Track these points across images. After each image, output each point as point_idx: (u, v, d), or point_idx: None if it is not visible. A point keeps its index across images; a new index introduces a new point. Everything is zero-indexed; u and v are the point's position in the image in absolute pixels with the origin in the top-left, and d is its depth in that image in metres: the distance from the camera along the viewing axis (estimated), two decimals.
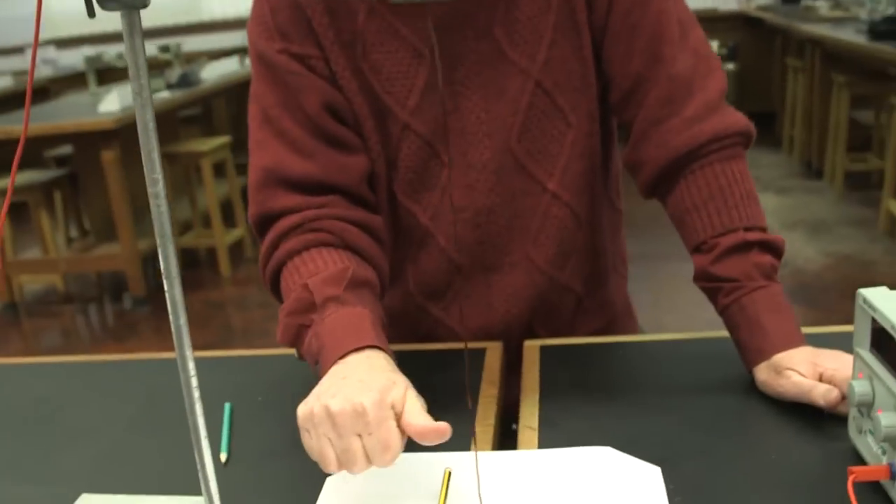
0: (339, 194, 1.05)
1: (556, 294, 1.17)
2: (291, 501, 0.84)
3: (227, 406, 1.04)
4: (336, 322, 0.92)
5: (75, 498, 0.86)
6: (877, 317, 0.79)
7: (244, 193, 5.48)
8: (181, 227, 4.74)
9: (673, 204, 1.07)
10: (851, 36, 4.98)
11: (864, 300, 0.82)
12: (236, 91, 5.64)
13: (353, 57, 1.05)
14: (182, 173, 4.81)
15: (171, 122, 5.07)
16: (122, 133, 4.05)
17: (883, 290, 0.82)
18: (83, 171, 4.60)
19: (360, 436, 0.77)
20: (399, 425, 0.78)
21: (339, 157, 1.05)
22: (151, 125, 0.63)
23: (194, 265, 4.83)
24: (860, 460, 0.84)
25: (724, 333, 1.10)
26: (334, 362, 0.88)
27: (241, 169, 5.79)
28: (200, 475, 0.74)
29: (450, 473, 0.81)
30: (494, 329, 1.16)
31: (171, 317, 0.69)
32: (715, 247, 1.02)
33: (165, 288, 0.68)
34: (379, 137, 1.08)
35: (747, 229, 1.01)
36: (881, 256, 4.18)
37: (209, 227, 4.73)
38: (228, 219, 4.83)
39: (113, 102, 4.11)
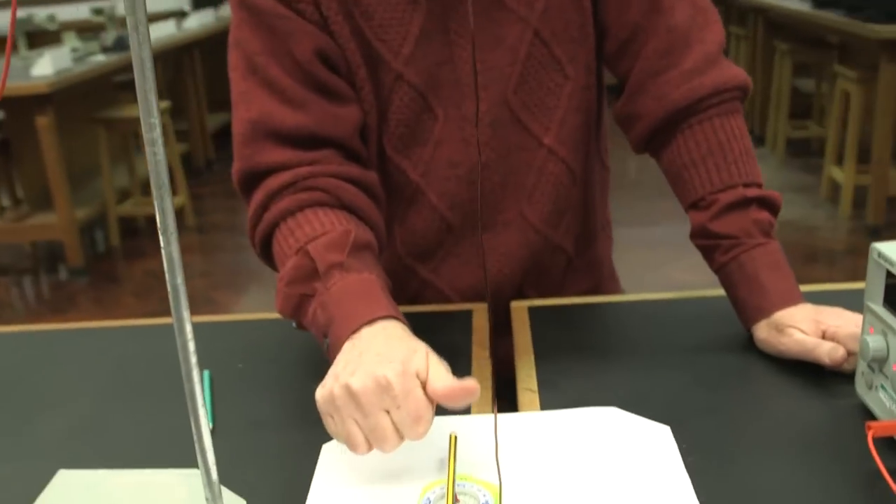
0: (332, 148, 0.99)
1: (548, 253, 1.14)
2: (286, 471, 0.80)
3: (206, 374, 0.98)
4: (343, 292, 0.86)
5: (52, 474, 0.80)
6: (895, 270, 0.77)
7: (184, 160, 5.36)
8: (119, 195, 4.60)
9: (669, 159, 1.04)
10: (795, 4, 5.03)
11: (880, 254, 0.80)
12: (174, 55, 5.49)
13: (345, 1, 0.99)
14: (119, 140, 4.66)
15: (106, 87, 4.91)
16: (57, 97, 3.91)
17: None
18: (15, 138, 4.42)
19: (387, 411, 0.73)
20: (426, 393, 0.73)
21: (331, 108, 0.99)
22: (149, 64, 0.57)
23: (133, 234, 4.70)
24: (870, 416, 0.82)
25: (715, 292, 1.08)
26: (347, 338, 0.82)
27: (181, 136, 5.68)
28: (197, 446, 0.69)
29: (455, 438, 0.77)
30: (485, 290, 1.12)
31: (167, 275, 0.64)
32: (713, 203, 0.99)
33: (162, 244, 0.62)
34: (371, 87, 1.02)
35: (746, 185, 0.99)
36: (823, 222, 4.25)
37: (148, 194, 4.59)
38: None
39: (46, 66, 3.96)
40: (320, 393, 0.77)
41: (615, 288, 1.29)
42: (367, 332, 0.82)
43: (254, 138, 0.98)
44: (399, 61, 1.01)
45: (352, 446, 0.74)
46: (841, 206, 4.31)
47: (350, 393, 0.74)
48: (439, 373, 0.74)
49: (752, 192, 0.99)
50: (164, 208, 0.61)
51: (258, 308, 3.68)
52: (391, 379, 0.73)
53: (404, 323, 0.85)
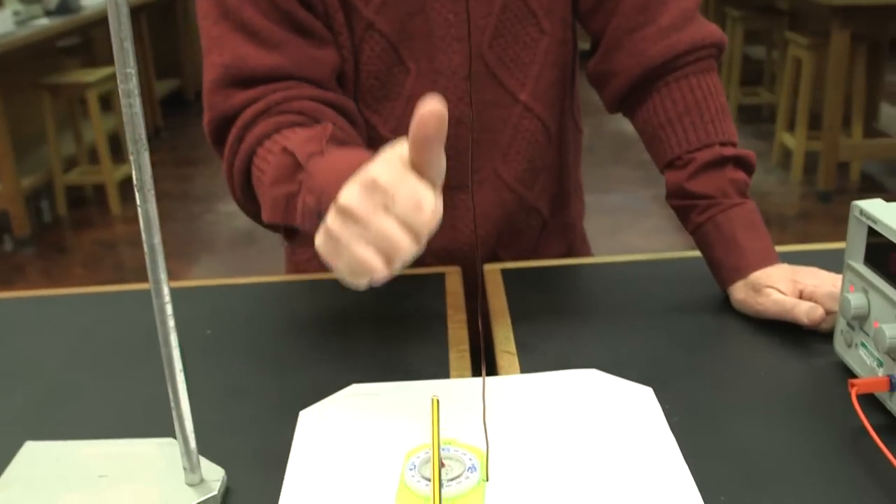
0: (308, 84, 0.95)
1: (522, 215, 1.12)
2: (264, 439, 0.78)
3: None
4: (328, 167, 0.79)
5: (18, 446, 0.77)
6: (878, 228, 0.77)
7: None
8: (66, 164, 4.49)
9: (644, 118, 1.03)
10: None
11: (862, 212, 0.79)
12: None
13: None
14: (66, 107, 4.54)
15: (50, 52, 4.78)
16: None
17: (879, 202, 0.80)
18: None
19: (386, 210, 0.65)
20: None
21: (308, 49, 0.95)
22: (125, 10, 0.54)
23: (81, 203, 4.59)
24: (849, 374, 0.82)
25: (687, 253, 1.08)
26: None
27: None
28: (174, 414, 0.67)
29: (437, 401, 0.75)
30: (458, 252, 1.10)
31: (143, 235, 0.61)
32: (690, 162, 0.99)
33: (138, 202, 0.60)
34: (347, 35, 0.98)
35: (723, 144, 0.99)
36: (775, 187, 4.30)
37: (96, 162, 4.50)
38: (117, 154, 4.60)
39: None
40: (318, 239, 0.69)
41: (587, 252, 1.28)
42: None
43: (225, 84, 0.93)
44: (370, 9, 0.97)
45: (369, 270, 0.65)
46: (792, 172, 4.36)
47: (340, 211, 0.67)
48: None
49: (729, 150, 0.98)
50: (140, 164, 0.58)
51: (210, 277, 3.63)
52: (375, 175, 0.65)
53: None
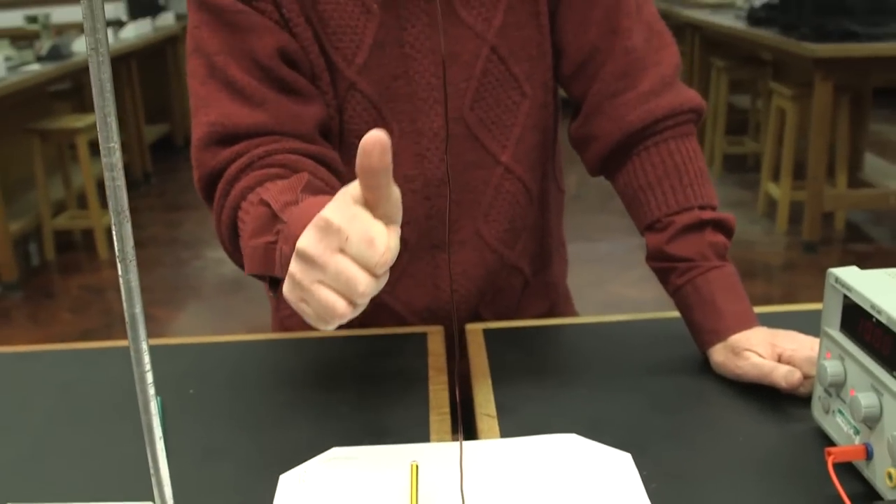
0: (292, 139, 0.96)
1: (504, 274, 1.13)
2: (244, 502, 0.78)
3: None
4: (303, 211, 0.78)
5: None
6: (852, 296, 0.78)
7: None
8: (55, 208, 4.49)
9: (624, 181, 1.04)
10: (730, 21, 5.13)
11: (837, 279, 0.80)
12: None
13: (304, 5, 0.97)
14: (55, 151, 4.56)
15: (41, 97, 4.80)
16: None
17: (853, 269, 0.81)
18: None
19: (341, 251, 0.65)
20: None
21: (292, 106, 0.96)
22: (108, 86, 0.55)
23: (69, 248, 4.59)
24: (827, 440, 0.83)
25: (669, 314, 1.09)
26: None
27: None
28: (153, 480, 0.67)
29: (417, 467, 0.75)
30: (441, 311, 1.11)
31: (124, 304, 0.61)
32: (669, 225, 1.00)
33: (120, 273, 0.60)
34: (333, 94, 1.00)
35: (702, 208, 1.00)
36: (760, 237, 4.33)
37: (85, 207, 4.50)
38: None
39: None
40: (285, 285, 0.70)
41: (570, 310, 1.29)
42: None
43: (212, 141, 0.95)
44: (352, 70, 0.99)
45: (332, 312, 0.66)
46: (777, 222, 4.39)
47: (299, 256, 0.68)
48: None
49: (708, 214, 1.00)
50: (122, 235, 0.59)
51: (197, 324, 3.62)
52: (328, 216, 0.66)
53: None
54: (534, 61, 1.04)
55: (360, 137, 0.99)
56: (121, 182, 0.58)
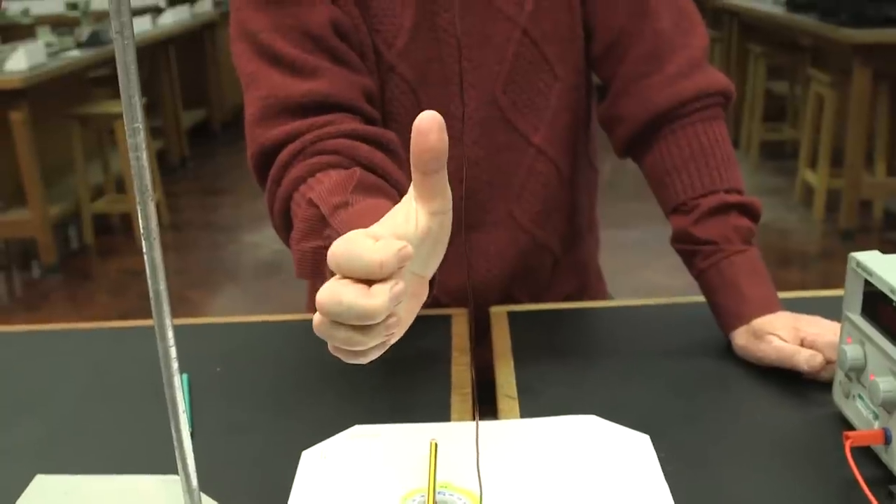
0: (344, 112, 0.94)
1: (535, 254, 1.14)
2: (265, 477, 0.79)
3: (184, 377, 0.98)
4: (349, 226, 0.75)
5: (29, 479, 0.79)
6: (873, 280, 0.77)
7: (159, 157, 5.32)
8: (93, 193, 4.56)
9: (651, 163, 1.05)
10: (769, 7, 5.07)
11: (858, 264, 0.80)
12: (149, 51, 5.45)
13: None
14: (94, 136, 4.62)
15: (81, 83, 4.87)
16: (31, 93, 3.87)
17: (875, 253, 0.81)
18: None
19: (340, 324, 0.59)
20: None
21: (344, 73, 0.95)
22: (133, 68, 0.56)
23: (108, 232, 4.66)
24: (847, 425, 0.83)
25: (695, 298, 1.09)
26: None
27: (156, 132, 5.65)
28: (177, 453, 0.69)
29: (436, 445, 0.77)
30: (474, 291, 1.12)
31: (149, 281, 0.63)
32: (695, 208, 1.00)
33: (144, 249, 0.62)
34: (377, 76, 1.00)
35: (727, 191, 1.00)
36: (797, 225, 4.29)
37: (123, 192, 4.56)
38: None
39: (20, 60, 3.91)
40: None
41: (601, 289, 1.30)
42: None
43: (263, 117, 0.94)
44: (392, 53, 1.00)
45: (353, 349, 0.61)
46: (814, 210, 4.34)
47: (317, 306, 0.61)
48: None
49: (733, 198, 1.00)
50: (146, 213, 0.60)
51: (233, 307, 3.66)
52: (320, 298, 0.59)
53: None
54: (565, 44, 1.04)
55: (397, 121, 1.02)
56: (144, 162, 0.59)
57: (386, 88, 1.02)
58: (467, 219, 1.08)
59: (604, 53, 1.05)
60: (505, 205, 1.09)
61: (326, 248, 0.76)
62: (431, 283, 0.70)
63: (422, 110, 0.99)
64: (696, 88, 1.01)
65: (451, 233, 1.06)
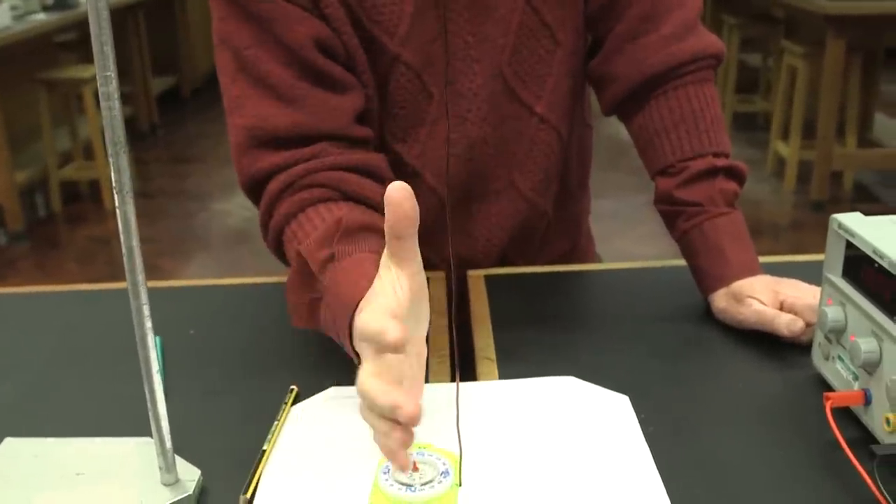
0: (329, 140, 0.93)
1: (533, 220, 1.13)
2: (240, 440, 0.78)
3: (157, 340, 0.96)
4: (335, 283, 0.79)
5: None
6: (855, 241, 0.77)
7: (128, 124, 5.24)
8: (61, 159, 4.48)
9: (640, 124, 1.04)
10: None
11: (840, 225, 0.80)
12: (118, 16, 5.35)
13: None
14: (62, 102, 4.54)
15: (47, 47, 4.78)
16: None
17: (857, 215, 0.80)
18: None
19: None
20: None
21: (328, 98, 0.93)
22: (105, 13, 0.54)
23: (76, 199, 4.59)
24: (827, 387, 0.83)
25: (675, 262, 1.08)
26: (349, 333, 0.74)
27: (124, 99, 5.50)
28: (151, 414, 0.67)
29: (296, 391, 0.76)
30: (474, 258, 1.11)
31: (121, 237, 0.61)
32: (682, 170, 1.00)
33: (116, 204, 0.60)
34: (371, 72, 0.98)
35: (716, 155, 1.00)
36: (768, 196, 4.31)
37: (91, 158, 4.50)
38: None
39: None
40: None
41: (591, 248, 1.30)
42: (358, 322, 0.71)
43: (249, 147, 0.93)
44: (395, 42, 0.97)
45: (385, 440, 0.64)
46: (786, 181, 4.37)
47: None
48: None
49: (721, 161, 0.99)
50: (119, 166, 0.59)
51: (204, 275, 3.63)
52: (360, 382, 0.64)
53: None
54: (566, 8, 1.02)
55: (403, 107, 1.01)
56: (117, 112, 0.57)
57: (391, 79, 0.99)
58: (471, 192, 1.07)
59: (599, 12, 1.04)
60: (507, 174, 1.08)
61: (318, 299, 0.83)
62: None
63: (428, 93, 0.98)
64: (690, 51, 1.01)
65: (456, 206, 1.05)
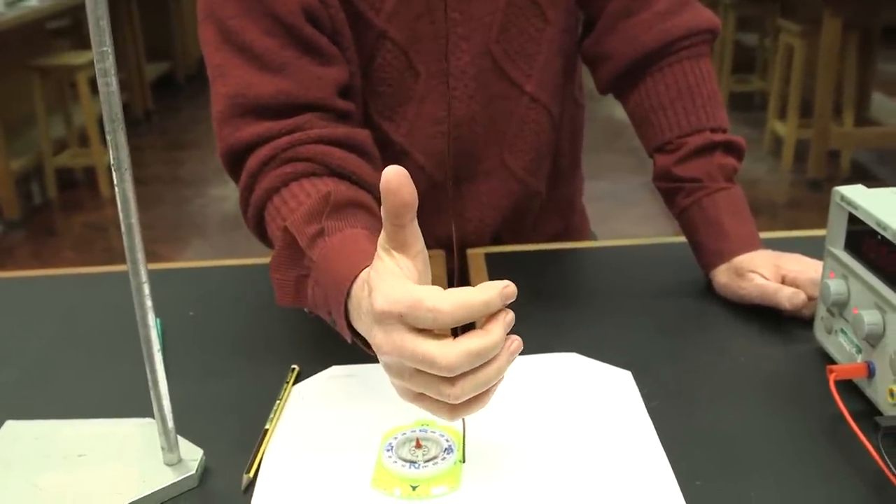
0: (314, 112, 0.91)
1: (525, 199, 1.12)
2: (242, 420, 0.78)
3: (157, 322, 0.95)
4: (327, 259, 0.76)
5: None
6: (858, 214, 0.77)
7: (123, 109, 5.21)
8: (56, 146, 4.47)
9: (636, 101, 1.03)
10: None
11: (842, 198, 0.80)
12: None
13: None
14: (55, 89, 4.52)
15: (41, 34, 4.75)
16: None
17: (860, 187, 0.80)
18: None
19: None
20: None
21: (313, 68, 0.91)
22: None
23: (71, 186, 4.57)
24: (829, 360, 0.82)
25: (675, 238, 1.08)
26: (345, 306, 0.72)
27: (120, 85, 5.49)
28: (152, 393, 0.67)
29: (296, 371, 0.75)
30: (466, 239, 1.11)
31: (120, 214, 0.61)
32: (680, 147, 0.99)
33: (115, 181, 0.59)
34: (357, 49, 0.96)
35: (713, 130, 0.99)
36: (766, 175, 4.31)
37: (86, 145, 4.48)
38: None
39: None
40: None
41: (585, 228, 1.30)
42: (356, 292, 0.71)
43: (231, 115, 0.90)
44: (381, 18, 0.96)
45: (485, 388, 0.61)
46: (783, 160, 4.37)
47: (384, 366, 0.65)
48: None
49: (719, 136, 0.99)
50: (117, 143, 0.58)
51: (201, 261, 3.62)
52: (380, 343, 0.62)
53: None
54: None
55: (390, 85, 0.99)
56: (114, 88, 0.57)
57: (376, 55, 0.98)
58: (460, 172, 1.06)
59: None
60: (498, 154, 1.07)
61: (305, 276, 0.80)
62: None
63: (414, 70, 0.97)
64: (684, 26, 1.00)
65: (445, 186, 1.04)
